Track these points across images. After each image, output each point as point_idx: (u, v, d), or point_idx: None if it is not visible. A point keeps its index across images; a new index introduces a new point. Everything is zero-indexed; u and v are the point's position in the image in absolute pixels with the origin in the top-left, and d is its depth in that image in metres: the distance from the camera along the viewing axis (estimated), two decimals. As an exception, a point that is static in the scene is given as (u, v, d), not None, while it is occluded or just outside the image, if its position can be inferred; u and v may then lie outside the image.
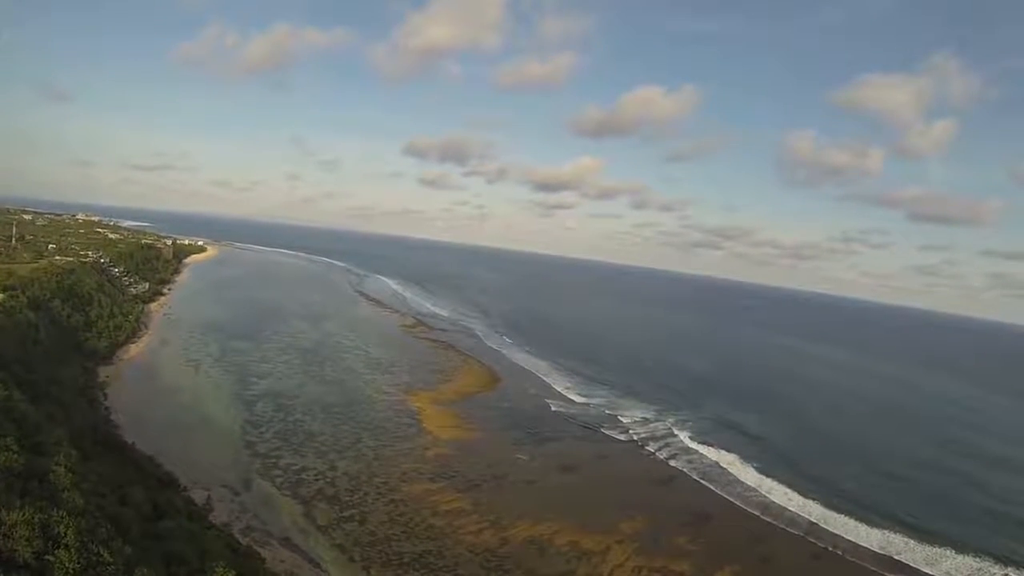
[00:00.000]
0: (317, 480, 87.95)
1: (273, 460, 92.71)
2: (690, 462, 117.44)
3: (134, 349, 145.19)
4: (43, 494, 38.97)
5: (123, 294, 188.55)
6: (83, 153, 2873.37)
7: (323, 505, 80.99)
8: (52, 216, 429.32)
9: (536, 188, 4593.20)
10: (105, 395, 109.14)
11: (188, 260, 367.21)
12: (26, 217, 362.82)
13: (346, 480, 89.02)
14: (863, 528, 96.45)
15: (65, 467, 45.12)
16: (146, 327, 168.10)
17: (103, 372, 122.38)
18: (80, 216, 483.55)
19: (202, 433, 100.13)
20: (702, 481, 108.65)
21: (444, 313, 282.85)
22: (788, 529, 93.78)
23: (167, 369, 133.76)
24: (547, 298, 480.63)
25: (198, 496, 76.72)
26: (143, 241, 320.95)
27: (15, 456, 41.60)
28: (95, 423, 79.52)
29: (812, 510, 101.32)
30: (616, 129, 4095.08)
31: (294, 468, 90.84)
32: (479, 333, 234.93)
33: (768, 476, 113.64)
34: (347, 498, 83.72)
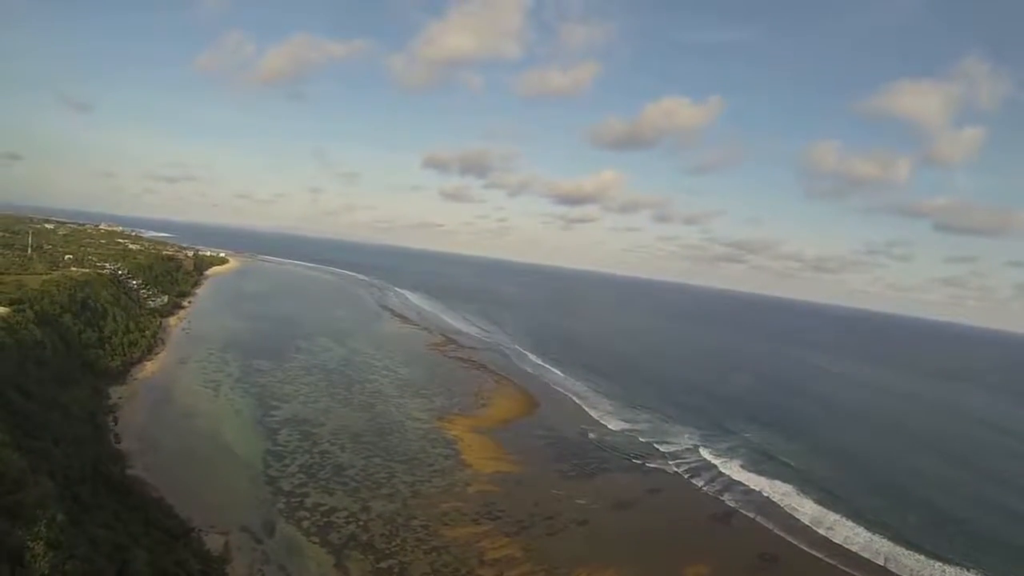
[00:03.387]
0: (348, 523, 77.66)
1: (299, 499, 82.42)
2: (745, 494, 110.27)
3: (149, 367, 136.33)
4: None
5: (140, 308, 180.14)
6: (106, 164, 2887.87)
7: (356, 554, 70.88)
8: (75, 226, 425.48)
9: (558, 201, 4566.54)
10: (116, 419, 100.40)
11: (209, 272, 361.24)
12: (48, 227, 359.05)
13: (381, 523, 78.73)
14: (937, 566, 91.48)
15: (46, 541, 35.08)
16: (163, 343, 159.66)
17: (115, 393, 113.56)
18: (103, 226, 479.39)
19: (220, 465, 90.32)
20: (760, 519, 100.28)
21: (471, 330, 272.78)
22: (856, 574, 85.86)
23: (184, 390, 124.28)
24: (573, 313, 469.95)
25: (214, 543, 67.14)
26: (164, 252, 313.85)
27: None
28: (98, 458, 69.52)
29: (879, 548, 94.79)
30: (638, 140, 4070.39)
31: (322, 509, 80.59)
32: (509, 352, 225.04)
33: (826, 509, 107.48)
34: (383, 545, 73.51)
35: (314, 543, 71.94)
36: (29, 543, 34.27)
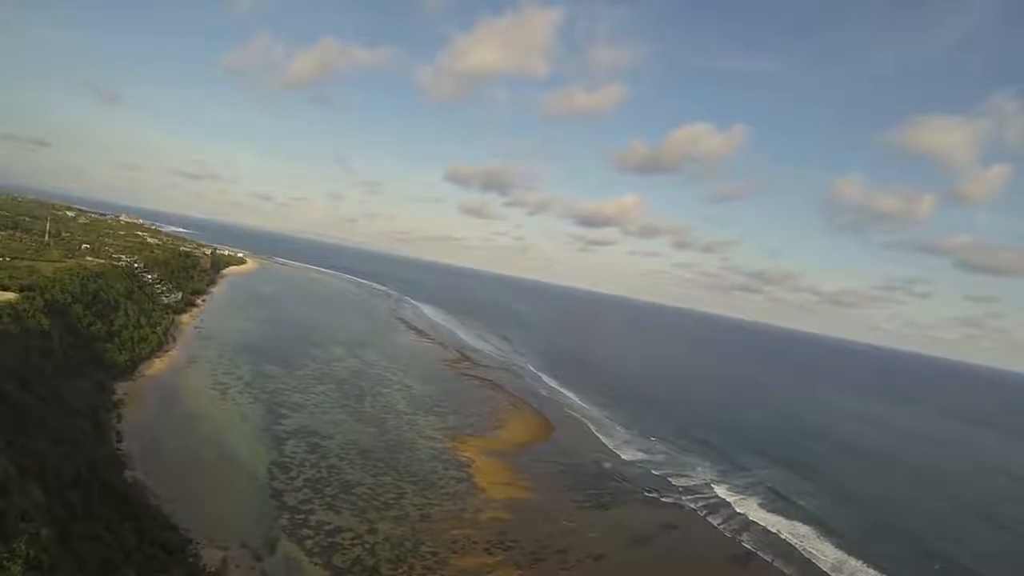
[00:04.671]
0: (354, 545, 73.19)
1: (303, 516, 77.98)
2: (763, 535, 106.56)
3: (158, 365, 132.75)
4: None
5: (153, 303, 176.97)
6: (131, 156, 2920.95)
7: (361, 580, 66.48)
8: (95, 215, 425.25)
9: (578, 222, 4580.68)
10: (119, 416, 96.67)
11: (226, 271, 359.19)
12: (69, 214, 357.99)
13: (388, 548, 74.21)
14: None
15: (24, 559, 31.09)
16: (174, 340, 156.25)
17: (121, 389, 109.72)
18: (123, 218, 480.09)
19: (223, 474, 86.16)
20: (779, 563, 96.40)
21: (486, 348, 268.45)
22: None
23: (191, 391, 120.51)
24: (591, 336, 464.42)
25: (212, 557, 62.88)
26: (181, 248, 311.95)
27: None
28: (96, 460, 65.54)
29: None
30: (661, 165, 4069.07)
31: (327, 528, 76.14)
32: (524, 372, 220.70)
33: (846, 555, 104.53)
34: (389, 572, 69.13)
35: (316, 565, 67.55)
36: (5, 562, 30.33)
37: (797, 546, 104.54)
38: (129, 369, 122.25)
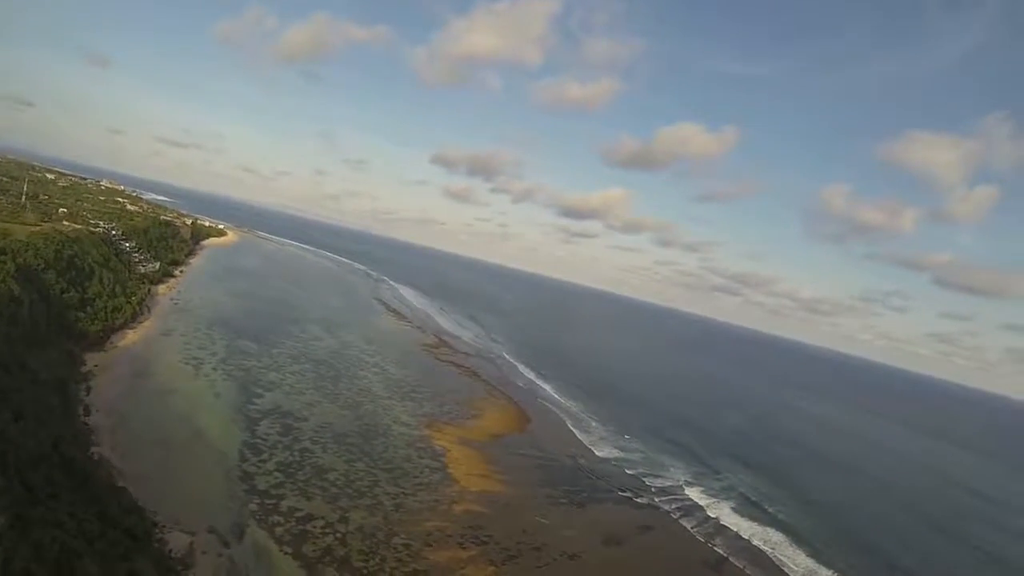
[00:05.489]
0: (325, 534, 71.54)
1: (274, 502, 76.03)
2: (736, 540, 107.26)
3: (131, 336, 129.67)
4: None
5: (130, 272, 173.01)
6: (116, 121, 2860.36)
7: (331, 571, 64.95)
8: (76, 179, 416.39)
9: (561, 213, 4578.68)
10: (88, 389, 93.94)
11: (206, 243, 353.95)
12: (49, 176, 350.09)
13: (360, 537, 72.68)
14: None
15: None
16: (149, 311, 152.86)
17: (91, 360, 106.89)
18: (104, 183, 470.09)
19: (193, 454, 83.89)
20: (751, 569, 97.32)
21: (464, 334, 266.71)
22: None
23: (164, 365, 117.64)
24: (570, 329, 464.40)
25: (178, 542, 60.93)
26: (162, 217, 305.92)
27: None
28: (61, 436, 63.11)
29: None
30: (649, 162, 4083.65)
31: (299, 515, 74.29)
32: (503, 362, 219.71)
33: (819, 564, 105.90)
34: (361, 563, 67.62)
35: (286, 553, 65.82)
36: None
37: (769, 553, 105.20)
38: (101, 340, 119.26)
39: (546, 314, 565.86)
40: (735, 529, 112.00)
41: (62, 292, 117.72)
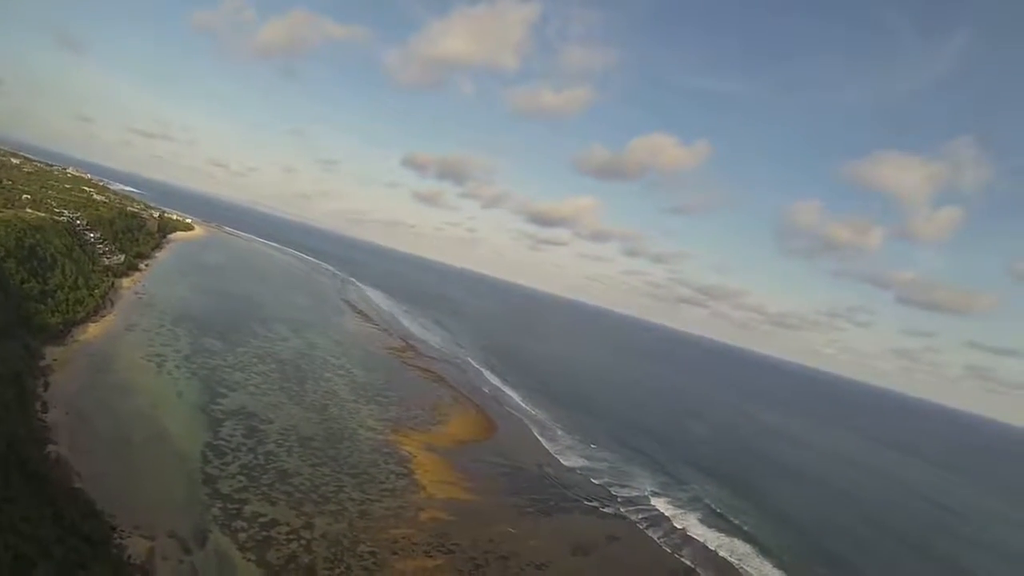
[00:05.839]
0: (290, 541, 69.84)
1: (237, 506, 74.07)
2: (703, 552, 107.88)
3: (93, 330, 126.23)
4: None
5: (94, 264, 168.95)
6: (86, 107, 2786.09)
7: (295, 579, 63.31)
8: (42, 165, 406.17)
9: (530, 220, 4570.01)
10: (46, 384, 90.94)
11: (173, 236, 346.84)
12: (14, 161, 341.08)
13: (325, 545, 71.10)
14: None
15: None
16: (112, 305, 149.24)
17: (50, 354, 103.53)
18: (71, 170, 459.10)
19: (154, 454, 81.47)
20: None
21: (431, 338, 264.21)
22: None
23: (126, 361, 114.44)
24: (536, 336, 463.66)
25: (137, 548, 59.08)
26: (129, 208, 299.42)
27: None
28: (16, 435, 60.90)
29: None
30: (620, 172, 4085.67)
31: (262, 520, 72.44)
32: (467, 368, 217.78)
33: (786, 574, 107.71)
34: (326, 571, 66.22)
35: (249, 561, 64.11)
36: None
37: (735, 564, 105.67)
38: (61, 333, 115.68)
39: (512, 320, 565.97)
40: (702, 540, 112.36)
41: (22, 282, 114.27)
